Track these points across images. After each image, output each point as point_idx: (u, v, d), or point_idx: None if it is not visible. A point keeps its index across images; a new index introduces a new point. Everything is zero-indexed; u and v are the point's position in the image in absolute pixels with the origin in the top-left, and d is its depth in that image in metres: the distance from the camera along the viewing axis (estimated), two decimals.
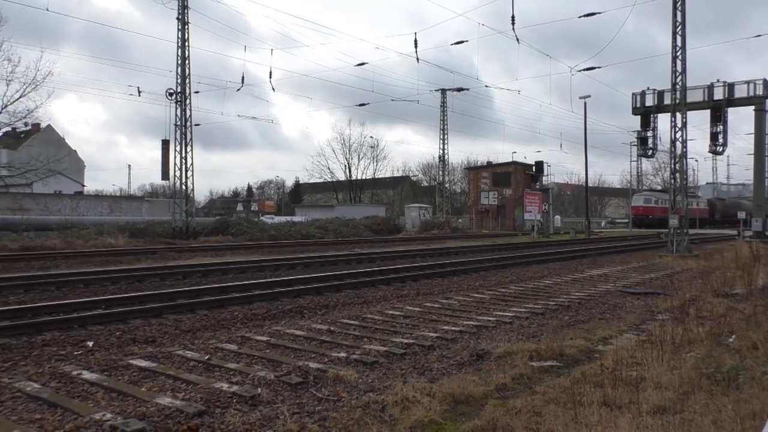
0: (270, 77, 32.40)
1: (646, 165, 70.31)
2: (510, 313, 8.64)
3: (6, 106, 29.27)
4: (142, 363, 5.68)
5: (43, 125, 65.64)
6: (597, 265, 17.55)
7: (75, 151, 73.69)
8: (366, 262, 17.82)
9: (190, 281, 12.52)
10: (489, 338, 6.98)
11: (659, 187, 63.78)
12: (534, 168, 50.57)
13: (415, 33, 53.63)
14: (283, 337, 6.93)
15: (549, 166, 52.79)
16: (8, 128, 34.62)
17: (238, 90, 35.33)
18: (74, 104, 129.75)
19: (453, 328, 7.45)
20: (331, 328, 7.44)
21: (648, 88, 34.77)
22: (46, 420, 4.16)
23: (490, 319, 8.19)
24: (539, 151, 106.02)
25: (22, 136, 66.62)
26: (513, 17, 23.65)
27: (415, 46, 29.47)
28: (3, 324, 7.35)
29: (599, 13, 38.26)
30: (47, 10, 26.92)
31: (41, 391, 4.81)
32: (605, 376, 4.92)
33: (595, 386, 4.66)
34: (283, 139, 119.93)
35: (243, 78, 43.71)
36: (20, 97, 29.43)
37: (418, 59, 29.86)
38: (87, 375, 5.26)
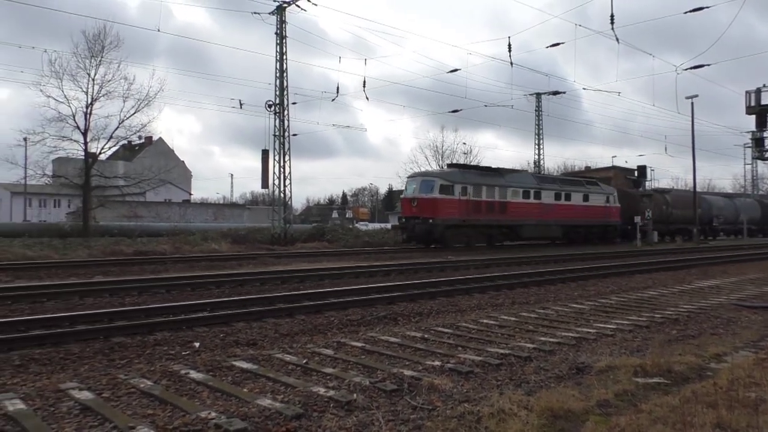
0: (364, 86, 32.76)
1: (762, 168, 65.13)
2: (612, 326, 8.27)
3: (123, 121, 31.68)
4: (244, 365, 5.91)
5: (154, 138, 70.40)
6: (707, 275, 16.44)
7: (183, 161, 78.26)
8: (462, 269, 17.67)
9: (289, 286, 12.93)
10: (589, 351, 6.71)
11: None
12: (636, 173, 48.18)
13: (509, 37, 52.44)
14: (377, 343, 6.99)
15: (653, 170, 49.92)
16: (124, 141, 37.42)
17: (333, 100, 36.25)
18: (171, 116, 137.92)
19: (551, 340, 7.22)
20: (425, 336, 7.43)
21: (764, 85, 32.24)
22: (157, 416, 4.41)
23: (590, 331, 7.86)
24: (642, 155, 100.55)
25: (137, 148, 71.73)
26: (612, 16, 22.75)
27: (509, 50, 28.89)
28: (120, 324, 7.93)
29: (707, 7, 35.91)
30: (158, 30, 28.78)
31: (153, 388, 5.11)
32: (719, 396, 4.58)
33: (707, 407, 4.35)
34: (369, 147, 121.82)
35: (338, 88, 44.88)
36: (135, 113, 31.76)
37: (512, 63, 29.31)
38: (194, 374, 5.54)
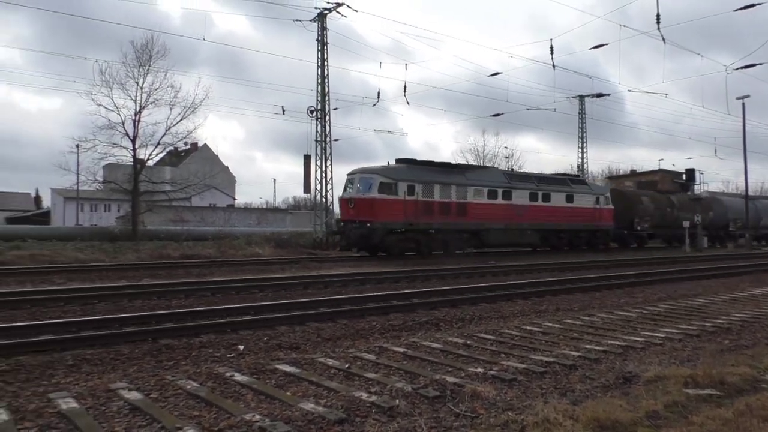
0: (404, 91, 32.81)
1: None
2: (660, 334, 8.03)
3: (170, 128, 32.52)
4: (287, 368, 5.97)
5: (199, 144, 72.00)
6: (762, 283, 15.84)
7: (227, 167, 79.77)
8: (501, 275, 17.49)
9: (331, 290, 13.02)
10: (637, 360, 6.53)
11: None
12: (684, 176, 46.83)
13: (551, 39, 51.95)
14: (419, 349, 6.97)
15: (701, 173, 48.36)
16: (171, 148, 38.38)
17: (374, 105, 36.41)
18: (215, 122, 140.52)
19: (596, 348, 7.06)
20: (468, 342, 7.36)
21: None
22: (203, 417, 4.49)
23: (638, 339, 7.66)
24: (690, 158, 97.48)
25: (183, 154, 73.42)
26: (658, 16, 22.23)
27: (551, 52, 28.46)
28: (167, 326, 8.12)
29: (758, 4, 34.66)
30: (203, 39, 29.39)
31: (199, 389, 5.21)
32: None
33: (763, 420, 4.18)
34: (409, 151, 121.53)
35: (379, 93, 45.04)
36: (181, 120, 32.58)
37: (554, 66, 28.95)
38: (238, 377, 5.63)
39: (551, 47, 28.05)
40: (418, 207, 24.00)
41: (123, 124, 31.78)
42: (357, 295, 11.60)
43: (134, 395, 5.00)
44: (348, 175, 25.26)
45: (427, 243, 24.74)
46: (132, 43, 33.56)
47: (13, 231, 32.87)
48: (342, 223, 24.56)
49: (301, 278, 14.51)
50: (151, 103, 32.13)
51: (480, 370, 5.91)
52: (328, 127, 34.37)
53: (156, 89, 32.13)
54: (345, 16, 35.19)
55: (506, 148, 59.76)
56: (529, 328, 8.47)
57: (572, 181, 31.81)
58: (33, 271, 16.45)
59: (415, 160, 25.96)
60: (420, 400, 4.90)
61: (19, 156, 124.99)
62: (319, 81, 34.35)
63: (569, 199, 30.34)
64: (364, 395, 4.96)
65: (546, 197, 29.14)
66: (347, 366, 6.08)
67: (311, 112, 34.52)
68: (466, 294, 12.03)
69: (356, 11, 48.44)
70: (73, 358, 6.47)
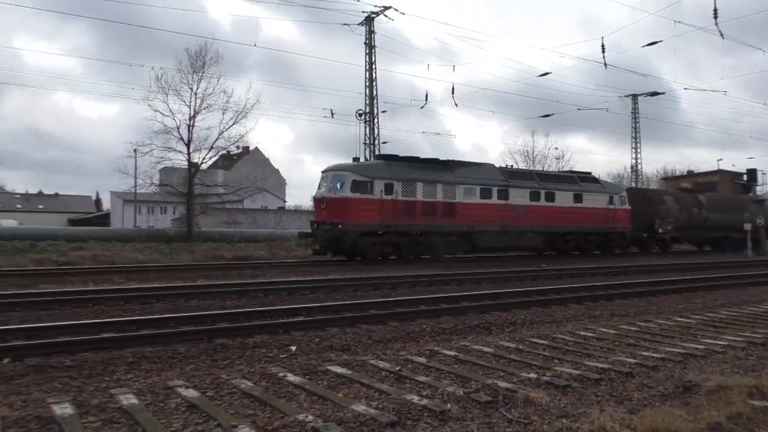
0: (452, 93, 32.69)
1: None
2: (722, 342, 7.73)
3: (222, 132, 33.31)
4: (339, 369, 6.02)
5: (251, 148, 73.48)
6: None
7: (278, 170, 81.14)
8: (553, 279, 17.18)
9: (381, 292, 13.06)
10: (697, 368, 6.31)
11: None
12: (745, 176, 44.95)
13: (602, 38, 50.81)
14: (470, 352, 6.91)
15: (764, 174, 46.31)
16: (224, 151, 39.33)
17: (422, 107, 36.41)
18: (266, 126, 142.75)
19: (654, 355, 6.85)
20: (520, 347, 7.26)
21: None
22: (257, 416, 4.57)
23: (698, 347, 7.39)
24: (751, 158, 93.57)
25: (235, 158, 75.07)
26: (716, 10, 21.48)
27: (602, 51, 27.86)
28: (222, 326, 8.31)
29: None
30: (255, 45, 30.00)
31: (253, 389, 5.31)
32: None
33: None
34: (457, 153, 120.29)
35: (426, 95, 45.01)
36: (233, 124, 33.34)
37: (606, 64, 28.32)
38: (291, 377, 5.71)
39: (602, 45, 27.61)
40: (397, 207, 21.90)
41: (178, 128, 32.78)
42: (407, 297, 11.60)
43: (191, 393, 5.14)
44: (322, 172, 23.49)
45: (408, 246, 22.55)
46: (186, 50, 34.61)
47: (75, 232, 34.26)
48: (315, 225, 22.40)
49: (351, 280, 14.60)
50: (204, 108, 33.04)
51: (533, 375, 5.82)
52: (376, 130, 34.58)
53: (209, 95, 33.02)
54: (392, 19, 35.36)
55: (556, 149, 58.63)
56: (582, 333, 8.29)
57: (582, 179, 29.12)
58: (95, 270, 17.11)
59: (397, 156, 23.82)
60: (472, 404, 4.86)
61: (81, 160, 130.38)
62: (367, 84, 34.60)
63: (577, 198, 27.65)
64: (415, 398, 4.96)
65: (550, 196, 26.51)
66: (398, 368, 6.08)
67: (360, 115, 34.82)
68: (518, 297, 11.87)
69: (403, 14, 48.57)
70: (133, 356, 6.69)
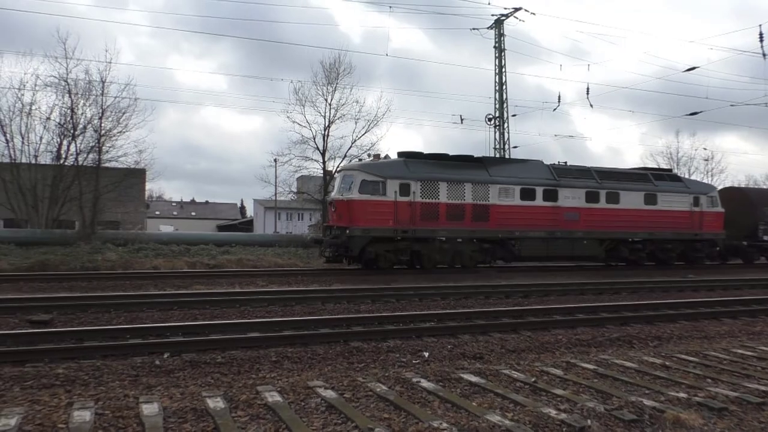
0: (587, 93, 31.38)
1: None
2: None
3: (355, 141, 34.35)
4: (472, 378, 5.97)
5: (381, 155, 75.17)
6: None
7: None
8: (703, 290, 15.85)
9: (513, 301, 12.80)
10: None
11: None
12: None
13: (760, 26, 46.09)
14: (611, 367, 6.56)
15: None
16: (356, 159, 40.50)
17: (555, 110, 35.26)
18: (396, 133, 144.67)
19: None
20: (666, 363, 6.77)
21: None
22: (392, 420, 4.64)
23: None
24: None
25: None
26: None
27: (761, 40, 25.27)
28: (357, 329, 8.57)
29: None
30: (386, 55, 30.64)
31: (388, 393, 5.40)
32: None
33: None
34: (590, 156, 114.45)
35: (559, 97, 43.50)
36: (365, 133, 34.32)
37: (764, 54, 25.69)
38: (424, 383, 5.74)
39: (760, 34, 24.95)
40: (414, 210, 19.57)
41: (314, 138, 34.24)
42: (540, 306, 11.27)
43: (329, 394, 5.33)
44: (335, 172, 21.38)
45: (430, 254, 20.22)
46: (321, 63, 36.09)
47: (223, 238, 36.88)
48: (329, 230, 20.58)
49: (482, 287, 14.43)
50: (338, 118, 34.23)
51: (682, 395, 5.40)
52: (506, 134, 33.97)
53: (342, 105, 34.16)
54: (522, 20, 34.55)
55: (705, 149, 53.99)
56: (739, 351, 7.57)
57: (657, 177, 25.02)
58: (240, 273, 18.34)
59: (421, 153, 21.56)
60: (614, 422, 4.61)
61: (227, 170, 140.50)
62: (497, 88, 34.11)
63: (650, 199, 23.84)
64: (552, 412, 4.79)
65: (612, 197, 23.07)
66: (533, 380, 5.91)
67: (489, 119, 34.39)
68: (662, 310, 11.09)
69: (533, 14, 47.26)
70: (276, 355, 7.08)
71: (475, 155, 22.75)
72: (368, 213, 19.19)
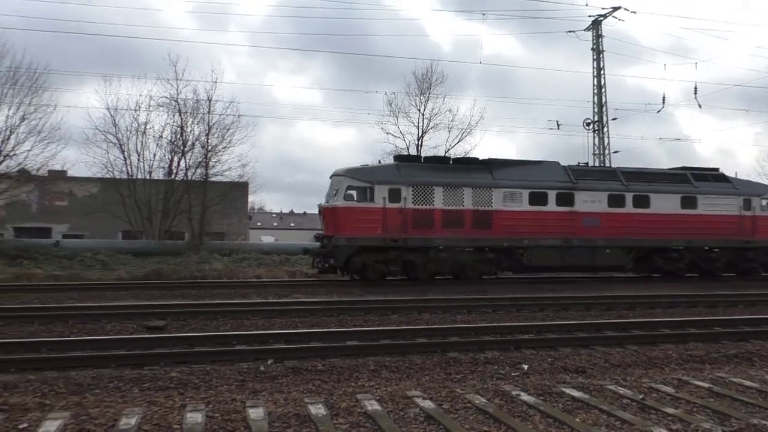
0: (695, 93, 29.64)
1: None
2: None
3: (449, 149, 34.27)
4: (575, 392, 5.77)
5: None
6: None
7: None
8: None
9: (616, 313, 12.25)
10: None
11: None
12: None
13: None
14: (728, 386, 6.12)
15: None
16: None
17: (659, 111, 33.62)
18: (488, 140, 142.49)
19: None
20: None
21: None
22: None
23: None
24: None
25: None
26: None
27: None
28: (453, 339, 8.53)
29: None
30: (480, 62, 30.44)
31: (487, 405, 5.33)
32: None
33: None
34: (698, 159, 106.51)
35: (664, 98, 41.36)
36: (458, 142, 34.17)
37: None
38: (524, 397, 5.62)
39: None
40: (406, 217, 18.21)
41: (408, 148, 34.51)
42: (646, 319, 10.72)
43: (428, 404, 5.34)
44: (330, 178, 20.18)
45: (425, 264, 18.74)
46: (413, 73, 36.36)
47: None
48: (321, 239, 19.41)
49: (581, 298, 13.92)
50: (431, 128, 34.30)
51: None
52: (606, 139, 32.73)
53: (435, 114, 34.20)
54: (622, 20, 33.15)
55: None
56: None
57: (698, 177, 22.05)
58: (338, 282, 18.74)
59: (416, 156, 19.87)
60: None
61: (323, 182, 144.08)
62: (595, 91, 32.97)
63: (688, 202, 21.12)
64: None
65: (640, 201, 20.59)
66: (641, 397, 5.63)
67: (587, 124, 33.27)
68: None
69: (634, 12, 45.12)
70: (374, 364, 7.17)
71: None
72: (354, 221, 18.14)
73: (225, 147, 30.53)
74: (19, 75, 26.74)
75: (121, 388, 6.05)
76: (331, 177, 19.68)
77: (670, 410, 5.19)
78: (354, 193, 18.30)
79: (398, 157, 20.71)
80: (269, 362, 7.20)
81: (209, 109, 30.11)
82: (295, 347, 7.88)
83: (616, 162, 31.53)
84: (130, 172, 30.38)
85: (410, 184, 18.46)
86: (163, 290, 16.07)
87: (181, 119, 30.16)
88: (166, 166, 30.68)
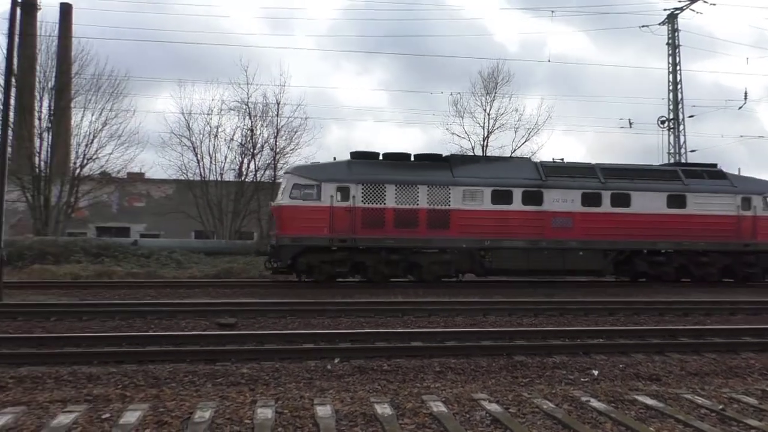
0: None
1: None
2: None
3: (515, 150, 33.75)
4: (648, 401, 5.58)
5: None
6: None
7: None
8: None
9: (692, 319, 11.72)
10: None
11: None
12: None
13: None
14: None
15: None
16: None
17: (740, 108, 31.98)
18: (556, 140, 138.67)
19: None
20: None
21: None
22: None
23: None
24: None
25: None
26: None
27: None
28: (520, 343, 8.40)
29: None
30: (549, 61, 29.85)
31: (555, 410, 5.23)
32: None
33: None
34: None
35: (746, 94, 39.24)
36: (525, 141, 33.60)
37: None
38: (595, 403, 5.48)
39: None
40: (355, 216, 17.52)
41: (473, 149, 34.20)
42: (725, 326, 10.22)
43: (494, 407, 5.29)
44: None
45: (375, 266, 17.92)
46: (479, 73, 36.02)
47: None
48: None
49: (655, 303, 13.40)
50: (497, 128, 33.87)
51: None
52: (682, 138, 31.44)
53: (501, 114, 33.75)
54: (700, 13, 31.68)
55: None
56: None
57: (689, 174, 20.19)
58: (402, 284, 18.72)
59: (372, 153, 19.22)
60: None
61: None
62: (670, 88, 31.72)
63: (675, 201, 19.38)
64: None
65: (620, 199, 19.02)
66: (720, 407, 5.39)
67: (662, 122, 32.02)
68: None
69: (713, 5, 43.02)
70: (439, 366, 7.16)
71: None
72: (299, 220, 17.58)
73: (293, 149, 31.27)
74: (101, 82, 28.39)
75: (195, 382, 6.30)
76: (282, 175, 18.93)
77: (753, 422, 4.94)
78: (300, 191, 17.78)
79: (353, 154, 19.42)
80: (336, 361, 7.31)
81: (278, 112, 30.92)
82: (361, 347, 7.97)
83: (693, 160, 30.18)
84: (202, 173, 31.57)
85: (360, 182, 17.89)
86: (233, 288, 16.59)
87: (251, 122, 31.09)
88: (237, 167, 31.67)
